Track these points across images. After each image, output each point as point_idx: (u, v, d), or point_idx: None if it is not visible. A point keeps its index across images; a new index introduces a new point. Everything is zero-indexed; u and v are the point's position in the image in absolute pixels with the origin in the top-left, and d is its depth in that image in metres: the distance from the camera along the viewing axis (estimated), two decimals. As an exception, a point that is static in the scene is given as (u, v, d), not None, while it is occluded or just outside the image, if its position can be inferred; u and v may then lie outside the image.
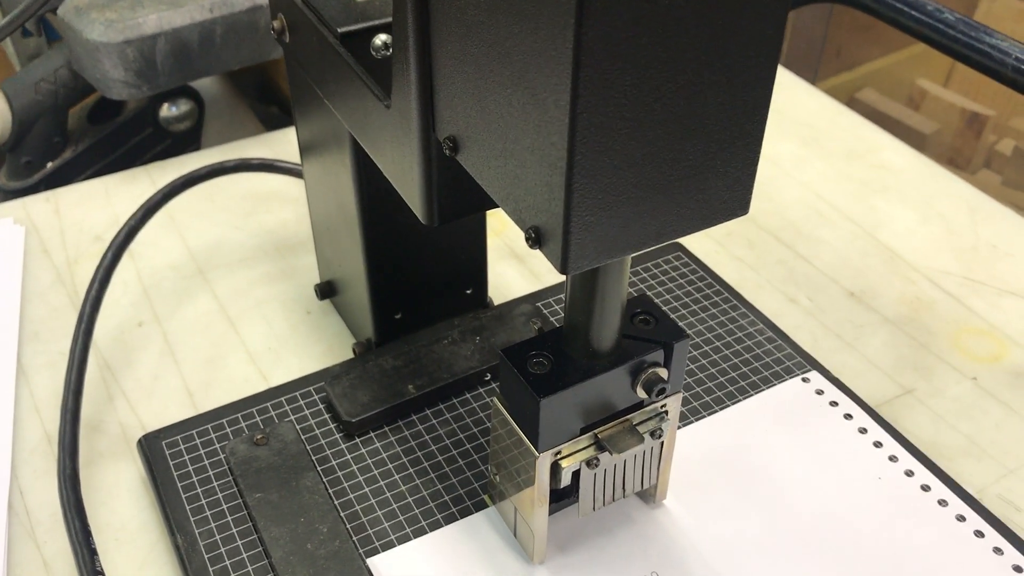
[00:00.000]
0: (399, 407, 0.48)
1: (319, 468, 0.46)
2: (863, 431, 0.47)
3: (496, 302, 0.55)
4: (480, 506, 0.45)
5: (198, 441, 0.47)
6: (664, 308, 0.55)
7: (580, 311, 0.37)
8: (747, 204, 0.32)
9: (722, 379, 0.51)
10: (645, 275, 0.57)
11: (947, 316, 0.57)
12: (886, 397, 0.52)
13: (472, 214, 0.39)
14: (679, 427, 0.48)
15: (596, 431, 0.39)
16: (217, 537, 0.43)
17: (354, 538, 0.43)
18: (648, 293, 0.56)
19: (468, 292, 0.54)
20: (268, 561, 0.42)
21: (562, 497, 0.43)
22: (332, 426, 0.48)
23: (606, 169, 0.29)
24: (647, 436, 0.40)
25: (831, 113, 0.75)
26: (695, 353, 0.52)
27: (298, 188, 0.66)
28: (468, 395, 0.50)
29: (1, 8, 0.77)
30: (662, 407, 0.40)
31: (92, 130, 0.74)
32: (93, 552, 0.40)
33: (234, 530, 0.43)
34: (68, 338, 0.54)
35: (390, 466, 0.46)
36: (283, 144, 0.70)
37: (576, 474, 0.40)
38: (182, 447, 0.47)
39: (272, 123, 0.87)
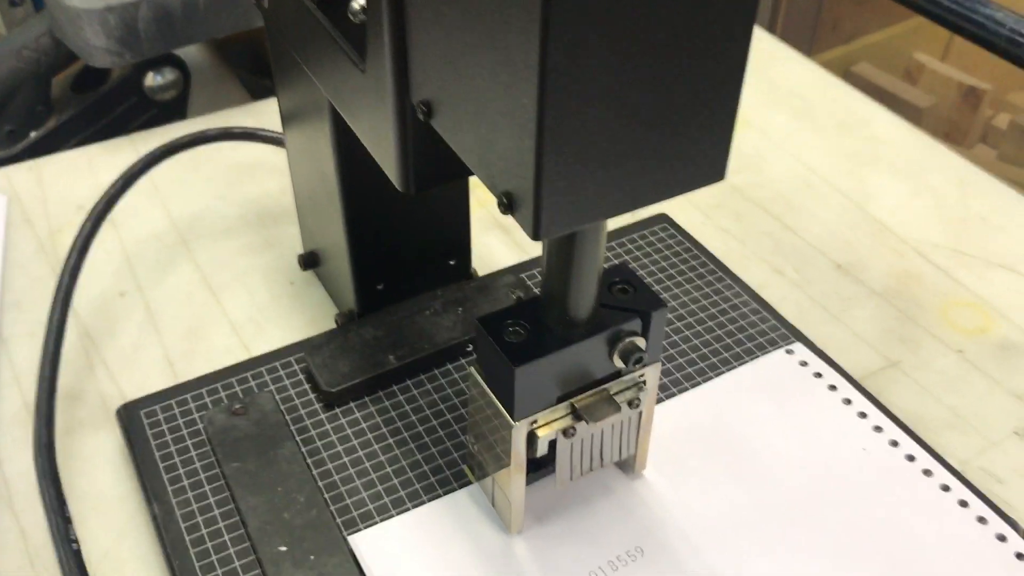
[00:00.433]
0: (380, 378, 0.48)
1: (298, 438, 0.46)
2: (847, 402, 0.47)
3: (481, 273, 0.55)
4: (460, 477, 0.44)
5: (177, 411, 0.47)
6: (646, 278, 0.54)
7: (556, 279, 0.36)
8: (723, 170, 0.32)
9: (705, 350, 0.50)
10: (630, 246, 0.57)
11: (935, 289, 0.57)
12: (871, 369, 0.52)
13: (449, 182, 0.39)
14: (661, 399, 0.48)
15: (573, 400, 0.39)
16: (194, 506, 0.43)
17: (332, 508, 0.43)
18: (633, 264, 0.56)
19: (451, 263, 0.53)
20: (245, 530, 0.42)
21: (540, 467, 0.42)
22: (312, 396, 0.48)
23: (577, 132, 0.28)
24: (624, 406, 0.39)
25: (824, 85, 0.74)
26: (678, 324, 0.52)
27: (282, 158, 0.65)
28: (450, 366, 0.50)
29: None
30: (640, 377, 0.40)
31: (76, 99, 0.74)
32: (67, 521, 0.40)
33: (211, 499, 0.43)
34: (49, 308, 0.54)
35: (370, 436, 0.46)
36: (268, 114, 0.69)
37: (553, 444, 0.39)
38: (160, 417, 0.47)
39: (262, 95, 0.86)
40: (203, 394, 0.48)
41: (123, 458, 0.47)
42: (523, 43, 0.27)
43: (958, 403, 0.50)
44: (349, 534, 0.42)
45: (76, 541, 0.39)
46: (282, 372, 0.49)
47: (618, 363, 0.38)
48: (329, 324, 0.54)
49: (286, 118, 0.51)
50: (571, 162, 0.29)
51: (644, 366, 0.40)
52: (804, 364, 0.49)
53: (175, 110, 0.76)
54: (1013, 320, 0.55)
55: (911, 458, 0.45)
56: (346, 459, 0.45)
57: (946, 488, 0.43)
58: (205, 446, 0.45)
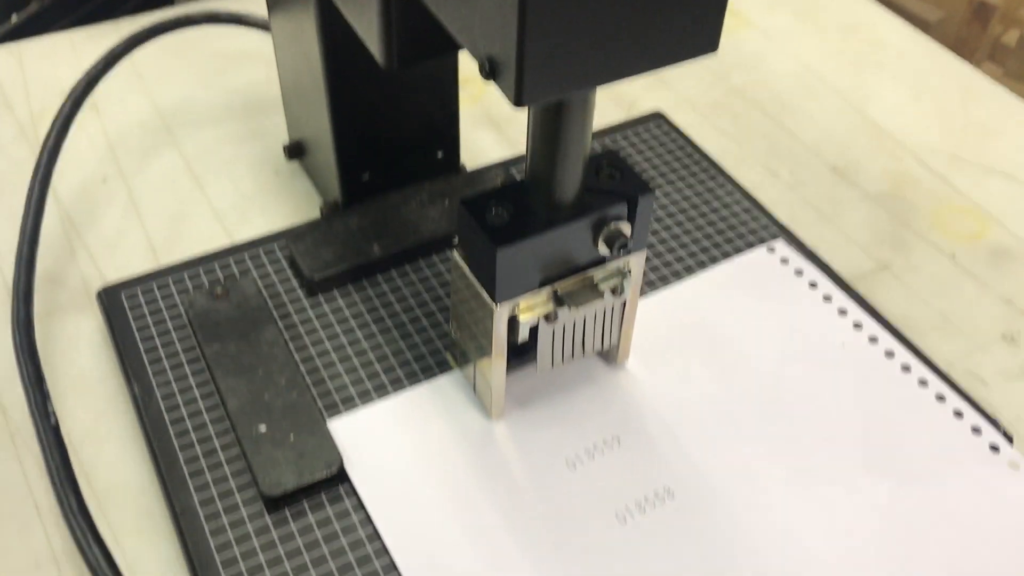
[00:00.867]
0: (364, 267, 0.47)
1: (280, 323, 0.45)
2: (828, 299, 0.47)
3: (470, 168, 0.54)
4: (443, 364, 0.44)
5: (158, 294, 0.47)
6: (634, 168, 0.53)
7: (541, 159, 0.35)
8: (716, 41, 0.31)
9: (695, 247, 0.50)
10: (624, 142, 0.55)
11: (930, 194, 0.56)
12: (862, 272, 0.51)
13: (433, 58, 0.37)
14: (647, 292, 0.47)
15: (555, 286, 0.38)
16: (174, 387, 0.43)
17: (313, 391, 0.43)
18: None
19: (439, 155, 0.52)
20: (224, 410, 0.42)
21: (522, 354, 0.42)
22: (295, 283, 0.47)
23: (562, -8, 0.27)
24: (607, 293, 0.39)
25: (828, -13, 0.72)
26: (668, 222, 0.51)
27: (269, 48, 0.63)
28: (435, 257, 0.49)
29: None
30: (624, 265, 0.39)
31: (59, -17, 0.71)
32: (45, 396, 0.40)
33: (191, 380, 0.43)
34: (29, 191, 0.53)
35: (353, 323, 0.46)
36: (255, 2, 0.67)
37: (534, 330, 0.39)
38: (142, 299, 0.46)
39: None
40: (185, 278, 0.47)
41: (104, 341, 0.47)
42: None
43: (947, 307, 0.50)
44: (330, 418, 0.42)
45: (54, 415, 0.39)
46: (265, 259, 0.48)
47: (602, 249, 0.38)
48: (314, 214, 0.53)
49: (272, 1, 0.50)
50: (555, 25, 0.28)
51: (629, 253, 0.39)
52: (785, 261, 0.49)
53: (162, -2, 0.74)
54: (1007, 226, 0.54)
55: (890, 354, 0.44)
56: (328, 345, 0.45)
57: (924, 383, 0.43)
58: (186, 329, 0.45)
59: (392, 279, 0.48)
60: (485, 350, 0.39)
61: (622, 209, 0.37)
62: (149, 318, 0.45)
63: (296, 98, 0.52)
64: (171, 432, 0.41)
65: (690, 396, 0.43)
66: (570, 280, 0.38)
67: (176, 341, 0.45)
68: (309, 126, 0.51)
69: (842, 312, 0.46)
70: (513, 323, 0.38)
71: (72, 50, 0.64)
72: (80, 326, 0.48)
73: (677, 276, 0.48)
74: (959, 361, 0.47)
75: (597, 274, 0.39)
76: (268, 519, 0.39)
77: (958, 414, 0.42)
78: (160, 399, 0.42)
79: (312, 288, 0.47)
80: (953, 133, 0.60)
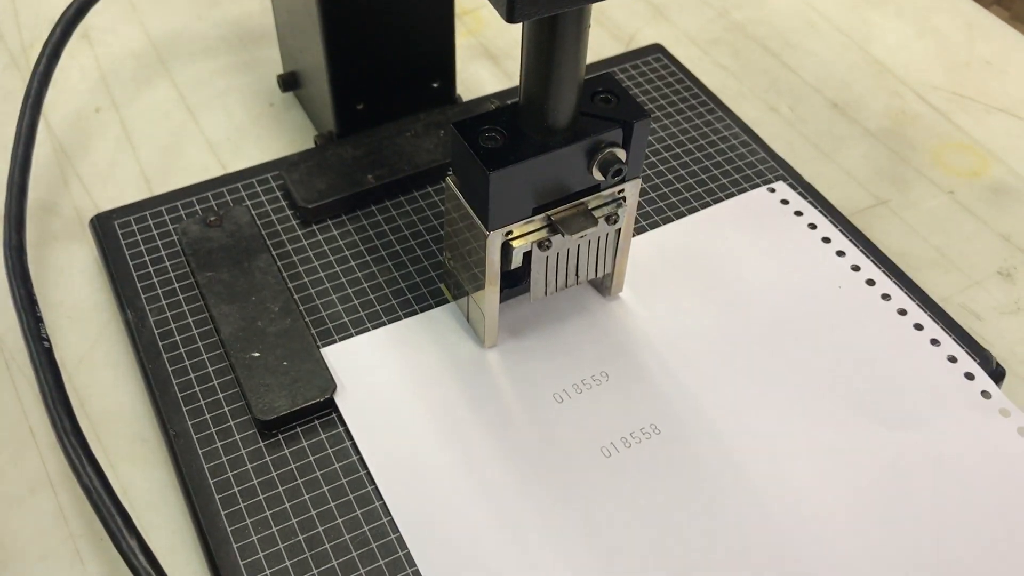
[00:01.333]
0: (358, 196, 0.47)
1: (273, 252, 0.45)
2: (827, 240, 0.46)
3: (466, 100, 0.53)
4: (437, 295, 0.44)
5: (151, 222, 0.46)
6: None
7: (535, 81, 0.35)
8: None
9: (692, 181, 0.49)
10: (622, 76, 0.55)
11: (931, 130, 0.55)
12: (859, 207, 0.51)
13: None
14: (645, 229, 0.47)
15: (549, 212, 0.38)
16: (168, 314, 0.43)
17: (306, 319, 0.43)
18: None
19: (435, 86, 0.51)
20: (218, 337, 0.42)
21: (515, 283, 0.42)
22: (288, 213, 0.47)
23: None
24: (602, 221, 0.39)
25: (834, -78, 0.70)
26: (666, 155, 0.51)
27: (265, -22, 0.63)
28: (429, 188, 0.49)
29: None
30: (619, 192, 0.39)
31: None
32: (38, 319, 0.40)
33: (185, 307, 0.43)
34: (21, 120, 0.52)
35: (347, 252, 0.46)
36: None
37: (528, 257, 0.39)
38: (135, 227, 0.46)
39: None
40: (178, 207, 0.47)
41: (97, 268, 0.47)
42: None
43: (944, 243, 0.50)
44: (323, 346, 0.42)
45: (48, 339, 0.39)
46: (258, 188, 0.48)
47: (597, 175, 0.37)
48: (308, 146, 0.52)
49: (264, -76, 0.49)
50: (549, -65, 0.27)
51: (624, 181, 0.39)
52: (785, 202, 0.48)
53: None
54: (1008, 163, 0.54)
55: (887, 297, 0.44)
56: (322, 274, 0.45)
57: (919, 327, 0.43)
58: (179, 256, 0.45)
59: (386, 209, 0.47)
60: (478, 277, 0.39)
61: (618, 135, 0.37)
62: (142, 246, 0.45)
63: (290, 28, 0.51)
64: (164, 358, 0.41)
65: (682, 331, 0.43)
66: (564, 207, 0.38)
67: (169, 269, 0.44)
68: (303, 57, 0.51)
69: (840, 254, 0.46)
70: (506, 249, 0.38)
71: (63, -21, 0.63)
72: (73, 254, 0.47)
73: (674, 210, 0.48)
74: (954, 296, 0.47)
75: (592, 201, 0.39)
76: (261, 443, 0.39)
77: (952, 359, 0.42)
78: (153, 326, 0.42)
79: (306, 217, 0.46)
80: (956, 70, 0.59)
